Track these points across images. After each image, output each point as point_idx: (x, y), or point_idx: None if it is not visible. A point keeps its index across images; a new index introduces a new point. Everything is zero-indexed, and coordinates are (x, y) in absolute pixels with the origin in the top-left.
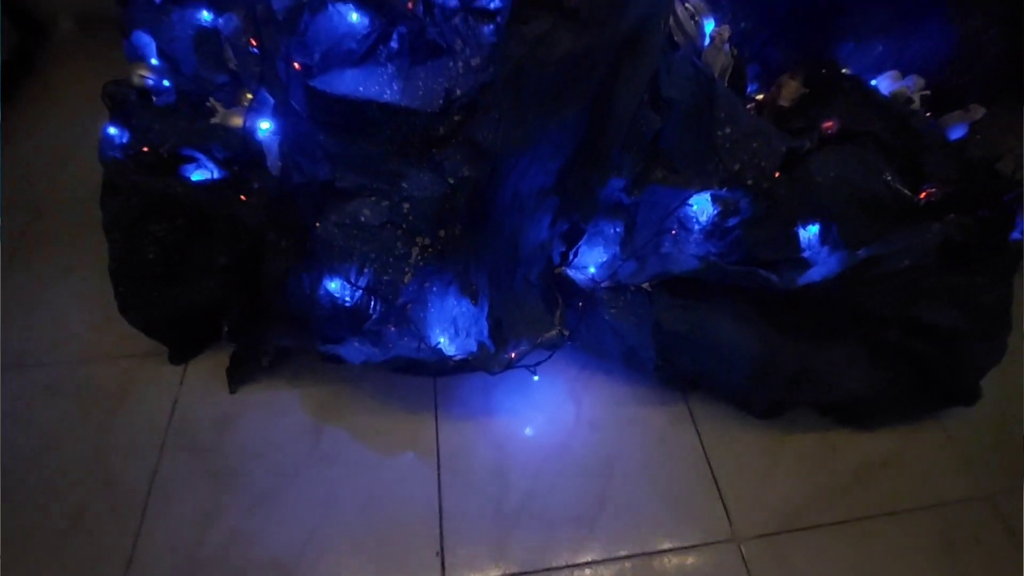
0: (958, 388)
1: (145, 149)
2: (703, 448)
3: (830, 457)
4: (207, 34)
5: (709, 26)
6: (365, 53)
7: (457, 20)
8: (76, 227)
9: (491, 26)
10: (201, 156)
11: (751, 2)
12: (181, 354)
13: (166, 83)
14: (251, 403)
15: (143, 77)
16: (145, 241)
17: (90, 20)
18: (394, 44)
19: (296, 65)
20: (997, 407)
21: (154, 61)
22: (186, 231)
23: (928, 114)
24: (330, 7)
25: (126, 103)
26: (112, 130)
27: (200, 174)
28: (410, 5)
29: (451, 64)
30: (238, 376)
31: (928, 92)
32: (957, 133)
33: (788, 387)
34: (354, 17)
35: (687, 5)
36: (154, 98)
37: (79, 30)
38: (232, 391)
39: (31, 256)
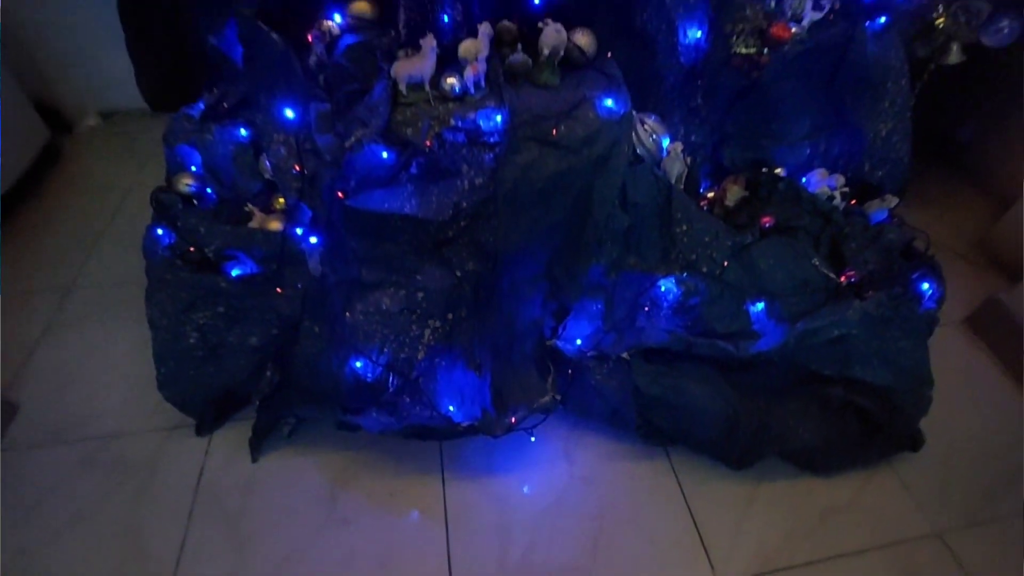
0: (901, 435)
1: (191, 249)
2: (684, 498)
3: (798, 502)
4: (243, 147)
5: (665, 141)
6: (390, 178)
7: (464, 151)
8: (104, 308)
9: (491, 154)
10: (242, 255)
11: (699, 120)
12: (208, 426)
13: (209, 190)
14: (272, 471)
15: (188, 185)
16: (188, 328)
17: (113, 114)
18: (413, 170)
19: (340, 194)
20: (942, 452)
21: (193, 168)
22: (225, 318)
23: (853, 202)
24: (366, 147)
25: (172, 208)
26: (159, 231)
27: (239, 269)
28: (428, 143)
29: (459, 183)
30: (260, 445)
31: (847, 189)
32: (878, 217)
33: (752, 440)
34: (384, 154)
35: (646, 125)
36: (196, 203)
37: (103, 123)
38: (254, 460)
39: (62, 336)
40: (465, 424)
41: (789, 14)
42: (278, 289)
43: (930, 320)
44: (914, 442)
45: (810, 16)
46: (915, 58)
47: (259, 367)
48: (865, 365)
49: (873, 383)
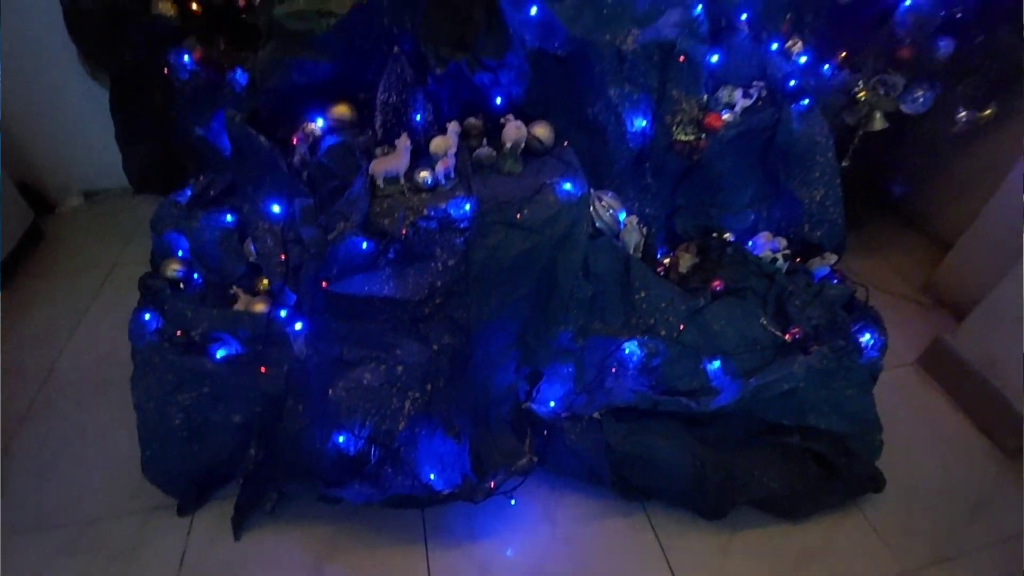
0: (861, 478)
1: (179, 333)
2: (663, 551)
3: (773, 549)
4: (229, 232)
5: (622, 215)
6: (370, 264)
7: (437, 236)
8: (86, 390)
9: (461, 238)
10: (228, 337)
11: (651, 194)
12: (190, 506)
13: (196, 275)
14: (256, 548)
15: (175, 271)
16: (173, 410)
17: (96, 193)
18: (391, 255)
19: (324, 284)
20: (905, 491)
21: (180, 253)
22: (209, 397)
23: (798, 260)
24: (348, 239)
25: (160, 293)
26: (146, 316)
27: (224, 350)
28: (404, 231)
29: (433, 265)
30: (243, 523)
31: (789, 251)
32: (821, 273)
33: (721, 490)
34: (364, 245)
35: (603, 202)
36: (182, 286)
37: (86, 202)
38: (237, 538)
39: (43, 419)
40: (446, 491)
41: (722, 103)
42: (262, 368)
43: (873, 369)
44: (876, 483)
45: (741, 103)
46: (845, 125)
47: (242, 445)
48: (818, 413)
49: (827, 430)
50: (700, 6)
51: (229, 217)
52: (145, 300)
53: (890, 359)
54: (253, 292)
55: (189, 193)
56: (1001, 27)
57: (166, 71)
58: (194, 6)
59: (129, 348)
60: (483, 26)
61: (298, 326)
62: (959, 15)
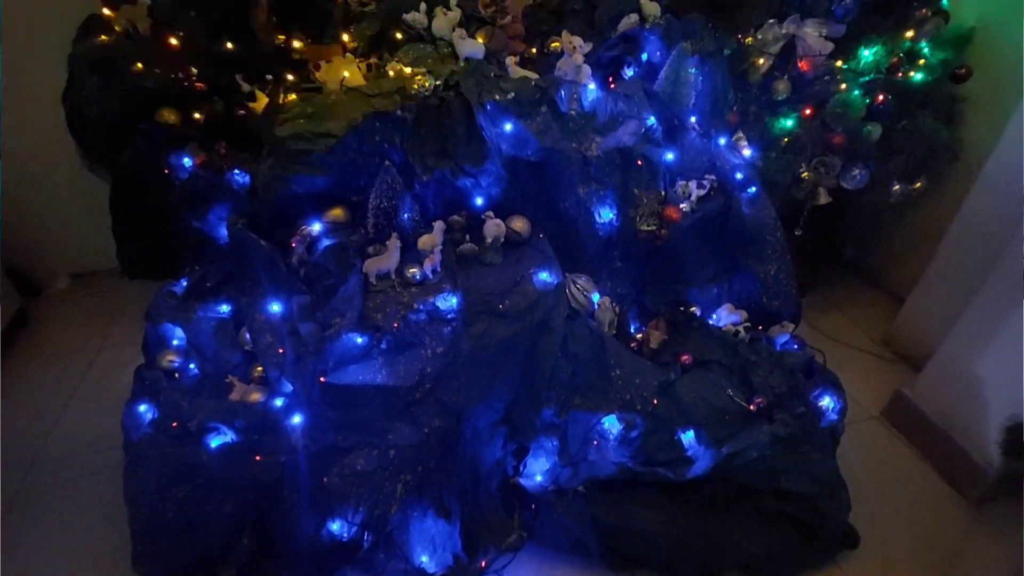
0: (836, 535)
1: (175, 424)
2: None
3: None
4: (225, 322)
5: (595, 296)
6: (363, 355)
7: (426, 327)
8: (72, 479)
9: (449, 328)
10: (223, 427)
11: (622, 275)
12: None
13: (192, 366)
14: None
15: (171, 362)
16: (167, 503)
17: (84, 275)
18: (383, 346)
19: (321, 379)
20: (881, 545)
21: (176, 342)
22: (204, 488)
23: (760, 328)
24: (343, 335)
25: (155, 384)
26: (141, 407)
27: (219, 440)
28: (396, 325)
29: (422, 353)
30: None
31: (749, 324)
32: (782, 340)
33: (705, 557)
34: (358, 339)
35: (578, 284)
36: (178, 376)
37: (73, 284)
38: None
39: (27, 510)
40: (439, 573)
41: (679, 194)
42: (257, 457)
43: (834, 432)
44: (851, 540)
45: (696, 193)
46: (795, 200)
47: (235, 534)
48: (788, 477)
49: (798, 492)
50: (652, 117)
51: (225, 307)
52: (140, 391)
53: (856, 412)
54: (248, 380)
55: (185, 284)
56: (919, 113)
57: (166, 171)
58: (196, 115)
59: (116, 435)
60: (464, 139)
61: (296, 419)
62: (881, 106)
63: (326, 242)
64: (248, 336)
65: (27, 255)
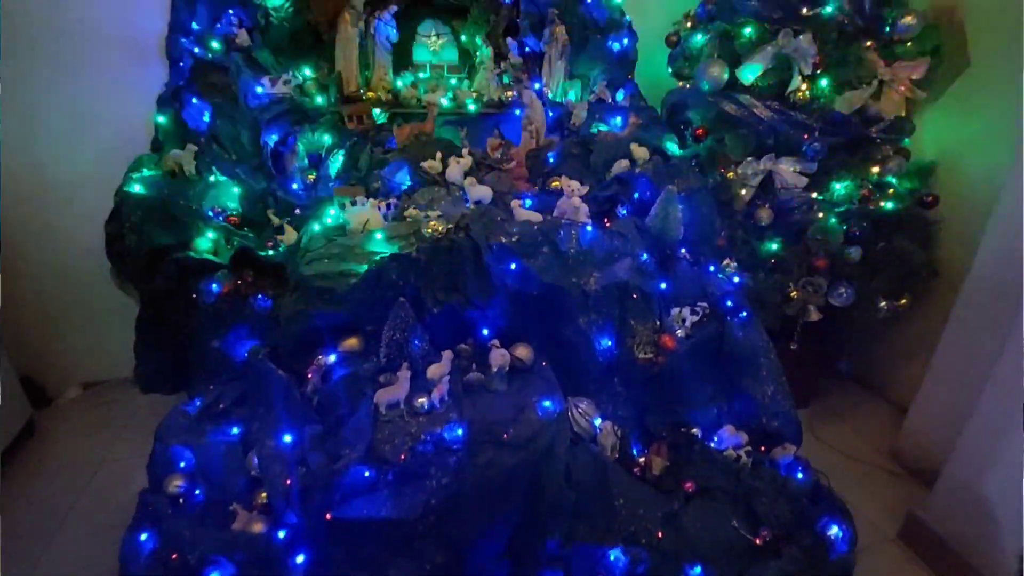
0: None
1: (174, 556)
2: None
3: None
4: (234, 446)
5: (597, 421)
6: (369, 489)
7: (432, 457)
8: None
9: (455, 458)
10: (223, 560)
11: (623, 398)
12: None
13: (197, 492)
14: None
15: (178, 487)
16: None
17: (96, 384)
18: (390, 477)
19: (327, 516)
20: None
21: (183, 464)
22: None
23: (763, 449)
24: (352, 468)
25: (158, 510)
26: (143, 536)
27: (218, 573)
28: (403, 457)
29: (428, 483)
30: None
31: (750, 447)
32: (785, 462)
33: None
34: (366, 473)
35: (580, 409)
36: (182, 501)
37: (84, 394)
38: None
39: None
40: None
41: (674, 319)
42: None
43: (845, 565)
44: None
45: (690, 319)
46: (787, 316)
47: None
48: None
49: None
50: (645, 253)
51: (235, 430)
52: (142, 518)
53: (872, 535)
54: (252, 507)
55: (199, 404)
56: (895, 235)
57: (194, 296)
58: (228, 247)
59: (111, 560)
60: (472, 276)
61: (300, 559)
62: (857, 232)
63: (340, 372)
64: (256, 461)
65: (42, 363)
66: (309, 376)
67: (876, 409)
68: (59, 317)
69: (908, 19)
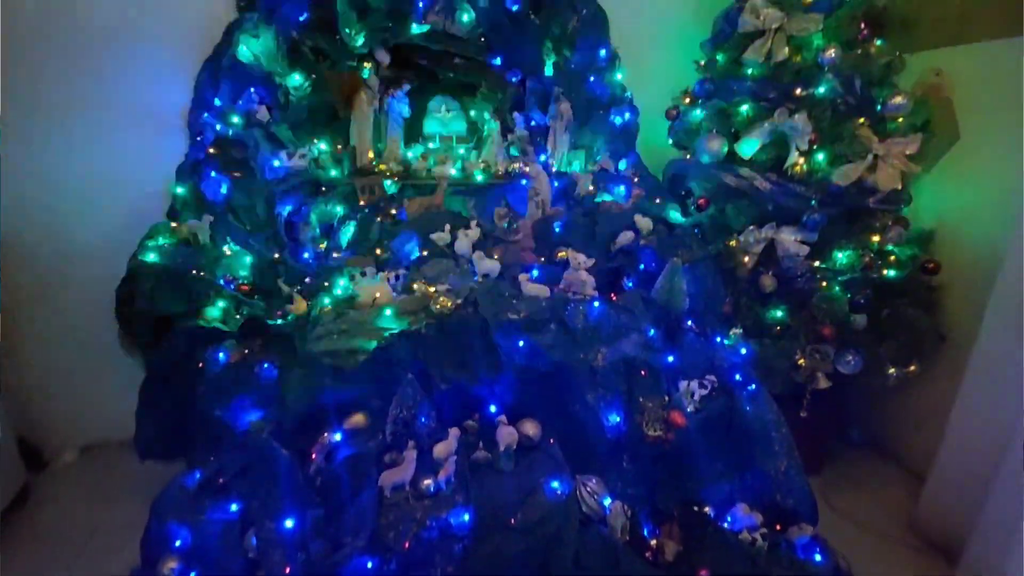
0: None
1: None
2: None
3: None
4: (232, 524)
5: (606, 500)
6: None
7: (437, 544)
8: None
9: (460, 545)
10: None
11: (633, 475)
12: None
13: (192, 574)
14: None
15: (172, 569)
16: None
17: (93, 447)
18: (392, 566)
19: None
20: None
21: (178, 543)
22: None
23: (778, 527)
24: (354, 559)
25: None
26: None
27: None
28: (406, 544)
29: (432, 572)
30: None
31: (766, 530)
32: (802, 542)
33: None
34: (368, 564)
35: (588, 487)
36: None
37: (80, 457)
38: None
39: None
40: None
41: (683, 392)
42: None
43: None
44: None
45: (698, 392)
46: (796, 383)
47: None
48: None
49: None
50: (652, 329)
51: (234, 507)
52: None
53: None
54: None
55: (198, 477)
56: (900, 301)
57: (200, 364)
58: (237, 316)
59: None
60: (480, 352)
61: None
62: (861, 300)
63: (345, 452)
64: (254, 542)
65: (40, 424)
66: (313, 456)
67: (892, 476)
68: (61, 377)
69: (898, 99)
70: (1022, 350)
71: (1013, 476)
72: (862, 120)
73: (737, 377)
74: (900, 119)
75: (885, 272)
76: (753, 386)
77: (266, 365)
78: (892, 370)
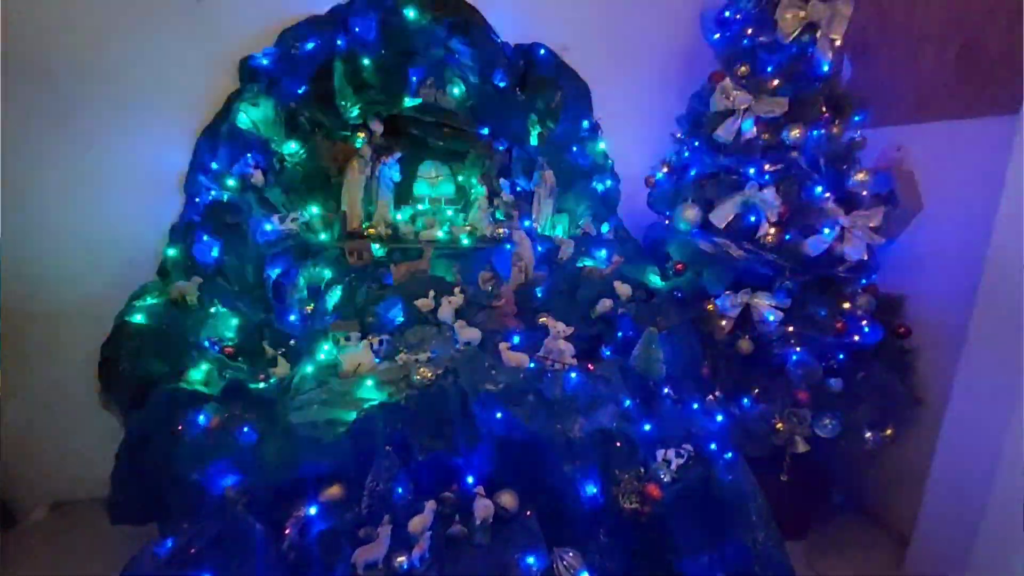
0: None
1: None
2: None
3: None
4: None
5: (583, 574)
6: None
7: None
8: None
9: None
10: None
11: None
12: None
13: None
14: None
15: None
16: None
17: (63, 504)
18: None
19: None
20: None
21: None
22: None
23: None
24: None
25: None
26: None
27: None
28: None
29: None
30: None
31: None
32: None
33: None
34: None
35: (565, 561)
36: None
37: (50, 515)
38: None
39: None
40: None
41: (659, 462)
42: None
43: None
44: None
45: (675, 462)
46: (775, 446)
47: None
48: None
49: None
50: (628, 400)
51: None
52: None
53: None
54: None
55: (170, 545)
56: (872, 366)
57: (180, 427)
58: (220, 378)
59: None
60: (458, 423)
61: None
62: (835, 365)
63: (319, 526)
64: None
65: (12, 483)
66: (287, 531)
67: (877, 539)
68: (36, 432)
69: (860, 176)
70: (993, 413)
71: (996, 538)
72: (828, 195)
73: (713, 446)
74: (864, 192)
75: (856, 337)
76: (730, 454)
77: (246, 429)
78: (869, 435)
